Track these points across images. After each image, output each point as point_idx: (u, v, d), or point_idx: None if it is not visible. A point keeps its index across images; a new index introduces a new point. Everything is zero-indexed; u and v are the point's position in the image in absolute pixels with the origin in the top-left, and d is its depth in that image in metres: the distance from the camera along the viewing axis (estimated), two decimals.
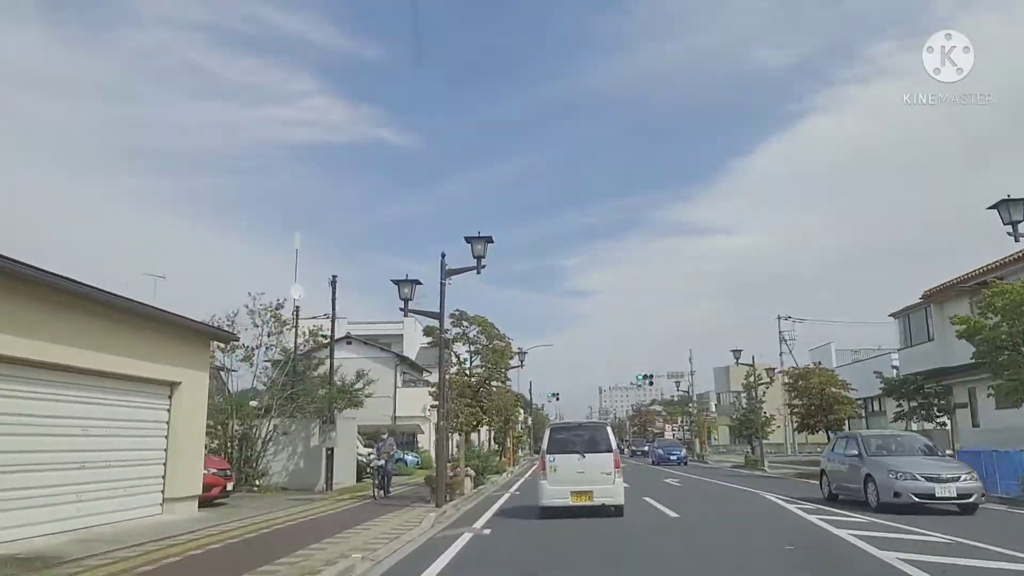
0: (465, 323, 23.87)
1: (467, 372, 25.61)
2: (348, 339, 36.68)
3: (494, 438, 41.92)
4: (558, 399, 72.84)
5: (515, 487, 23.90)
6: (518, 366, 37.19)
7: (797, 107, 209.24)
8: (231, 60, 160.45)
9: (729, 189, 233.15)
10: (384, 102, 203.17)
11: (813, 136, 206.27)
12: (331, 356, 23.53)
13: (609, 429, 14.98)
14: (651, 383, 49.98)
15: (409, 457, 35.20)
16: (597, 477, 13.54)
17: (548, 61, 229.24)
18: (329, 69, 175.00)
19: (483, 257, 16.19)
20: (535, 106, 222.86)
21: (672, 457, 43.36)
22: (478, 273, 16.42)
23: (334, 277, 23.08)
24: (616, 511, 13.53)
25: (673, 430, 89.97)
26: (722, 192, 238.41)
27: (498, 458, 34.06)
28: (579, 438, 14.30)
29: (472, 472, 21.28)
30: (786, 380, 35.10)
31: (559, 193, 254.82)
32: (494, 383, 26.35)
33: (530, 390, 74.62)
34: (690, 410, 53.67)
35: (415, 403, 38.03)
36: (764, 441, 38.51)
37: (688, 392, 52.47)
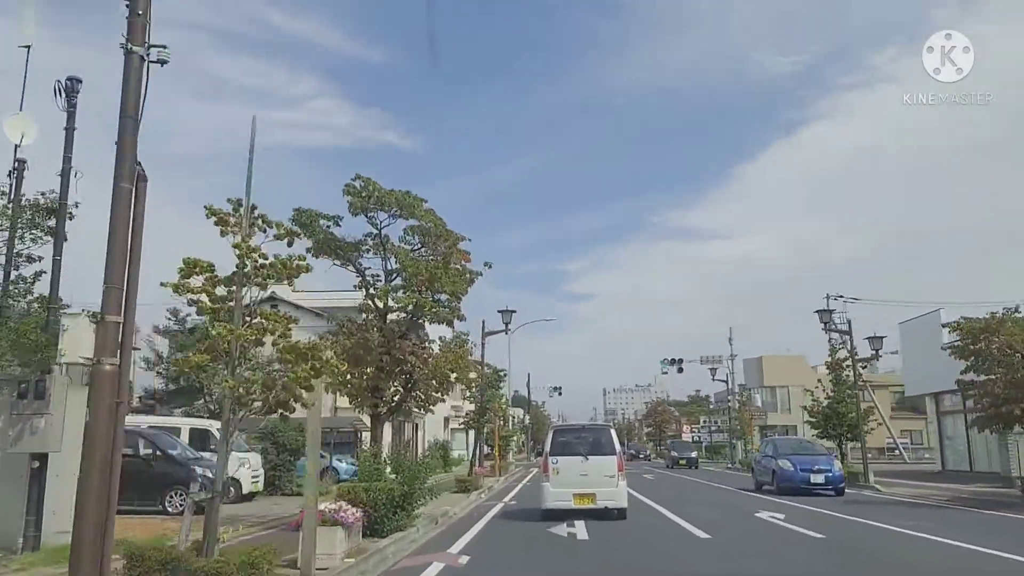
0: (367, 197, 12.82)
1: (376, 303, 14.58)
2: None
3: (486, 440, 30.78)
4: (560, 394, 62.68)
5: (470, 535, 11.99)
6: (502, 331, 25.90)
7: (799, 114, 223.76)
8: (235, 62, 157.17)
9: (731, 195, 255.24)
10: (390, 105, 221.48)
11: (815, 142, 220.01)
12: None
13: (613, 431, 15.00)
14: (680, 369, 39.08)
15: (343, 464, 24.09)
16: (600, 480, 13.56)
17: (552, 65, 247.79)
18: (334, 72, 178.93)
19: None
20: (537, 111, 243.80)
21: (683, 460, 41.27)
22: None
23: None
24: (619, 514, 13.64)
25: (692, 431, 79.00)
26: (724, 198, 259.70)
27: (469, 470, 23.02)
28: (582, 440, 14.31)
29: (354, 516, 9.38)
30: (956, 341, 19.74)
31: (561, 197, 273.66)
32: (428, 324, 15.51)
33: (528, 384, 63.67)
34: (730, 403, 42.06)
35: None
36: (852, 444, 27.02)
37: (726, 382, 41.04)
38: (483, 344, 24.40)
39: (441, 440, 41.24)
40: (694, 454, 45.23)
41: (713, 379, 44.67)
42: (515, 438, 35.10)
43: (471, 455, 31.22)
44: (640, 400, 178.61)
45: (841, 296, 53.27)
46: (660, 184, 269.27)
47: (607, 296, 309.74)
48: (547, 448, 14.28)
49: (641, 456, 73.95)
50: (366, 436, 28.17)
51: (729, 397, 43.57)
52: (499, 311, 24.79)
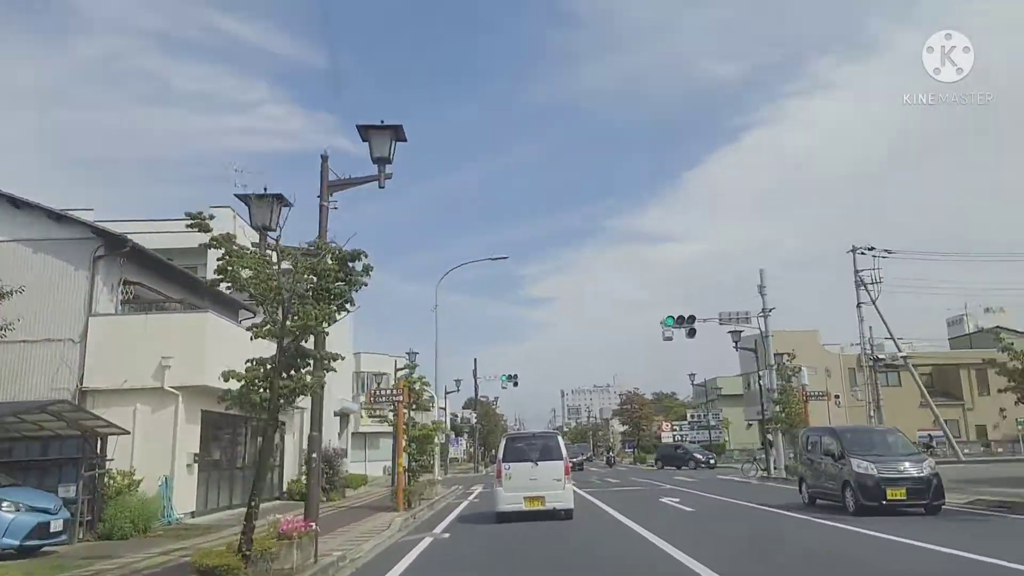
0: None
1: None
2: None
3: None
4: (516, 384, 48.31)
5: None
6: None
7: (742, 120, 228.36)
8: (184, 68, 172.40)
9: (681, 199, 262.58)
10: (339, 110, 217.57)
11: (758, 147, 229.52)
12: None
13: (560, 439, 16.45)
14: (692, 331, 25.93)
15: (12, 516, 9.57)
16: (549, 483, 14.69)
17: (500, 74, 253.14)
18: (283, 77, 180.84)
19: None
20: (487, 119, 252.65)
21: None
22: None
23: None
24: (566, 515, 14.74)
25: (674, 429, 66.05)
26: (674, 202, 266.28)
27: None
28: (532, 447, 15.48)
29: None
30: None
31: (514, 204, 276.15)
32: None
33: (475, 371, 49.44)
34: (762, 381, 28.51)
35: (142, 354, 16.51)
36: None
37: (762, 334, 27.40)
38: None
39: (335, 448, 26.98)
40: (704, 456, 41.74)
41: (736, 347, 31.17)
42: (436, 440, 20.50)
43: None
44: (598, 401, 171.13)
45: (871, 248, 40.81)
46: (613, 190, 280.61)
47: (565, 300, 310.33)
48: (500, 455, 15.51)
49: (586, 457, 60.45)
50: (115, 443, 14.03)
51: (761, 373, 29.89)
52: None
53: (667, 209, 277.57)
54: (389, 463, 50.29)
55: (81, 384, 15.76)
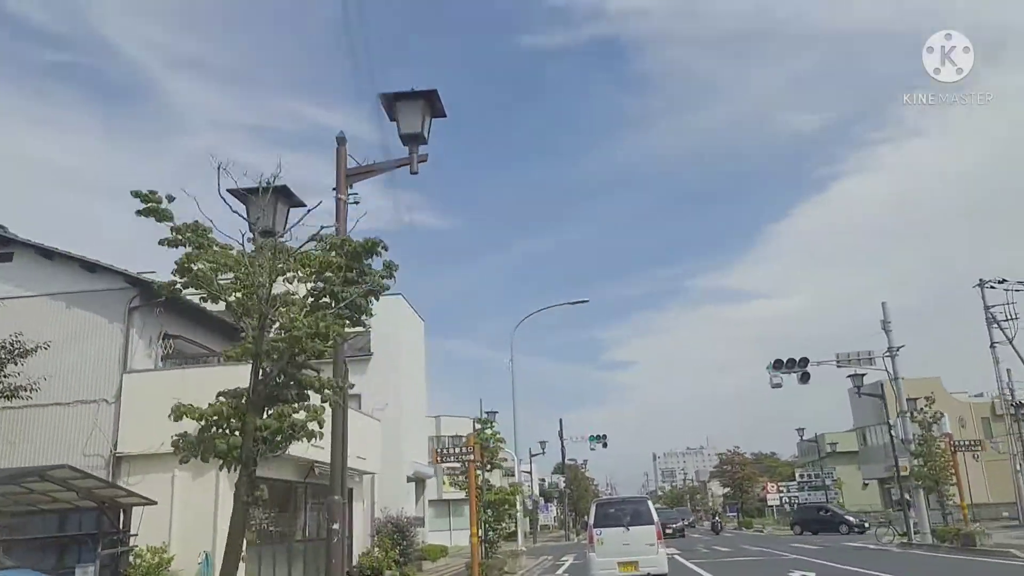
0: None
1: None
2: None
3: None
4: (605, 445, 45.15)
5: None
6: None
7: (828, 170, 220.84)
8: (273, 157, 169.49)
9: (765, 255, 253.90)
10: (421, 187, 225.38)
11: (847, 197, 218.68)
12: None
13: (650, 503, 16.46)
14: (805, 375, 21.97)
15: None
16: (642, 548, 14.58)
17: (580, 141, 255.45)
18: (366, 160, 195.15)
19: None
20: (568, 185, 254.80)
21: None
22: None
23: None
24: None
25: (780, 491, 60.73)
26: (758, 258, 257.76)
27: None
28: (623, 512, 15.44)
29: None
30: None
31: (593, 269, 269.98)
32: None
33: (560, 432, 46.57)
34: (895, 430, 24.69)
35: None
36: None
37: (892, 377, 23.61)
38: None
39: (408, 516, 24.49)
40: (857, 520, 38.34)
41: (859, 392, 27.29)
42: (519, 506, 17.64)
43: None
44: (692, 463, 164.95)
45: (1003, 281, 36.04)
46: (693, 249, 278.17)
47: (649, 363, 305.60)
48: (591, 520, 15.57)
49: (687, 523, 54.77)
50: (141, 514, 12.19)
51: (893, 421, 25.78)
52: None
53: (753, 265, 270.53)
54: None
55: (115, 449, 14.11)
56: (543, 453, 45.52)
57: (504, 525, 16.95)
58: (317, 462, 17.24)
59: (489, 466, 17.20)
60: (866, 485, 65.68)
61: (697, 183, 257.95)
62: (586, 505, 61.06)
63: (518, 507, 30.75)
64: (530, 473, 47.00)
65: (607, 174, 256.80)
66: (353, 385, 8.48)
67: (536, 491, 73.14)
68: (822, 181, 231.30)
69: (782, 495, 61.45)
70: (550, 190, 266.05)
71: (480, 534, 16.06)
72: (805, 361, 24.76)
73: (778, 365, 24.83)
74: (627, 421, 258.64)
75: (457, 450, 15.84)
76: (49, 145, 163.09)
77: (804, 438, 58.65)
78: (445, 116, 7.70)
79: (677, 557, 22.40)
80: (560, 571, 20.69)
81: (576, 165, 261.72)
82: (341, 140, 7.65)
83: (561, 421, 49.24)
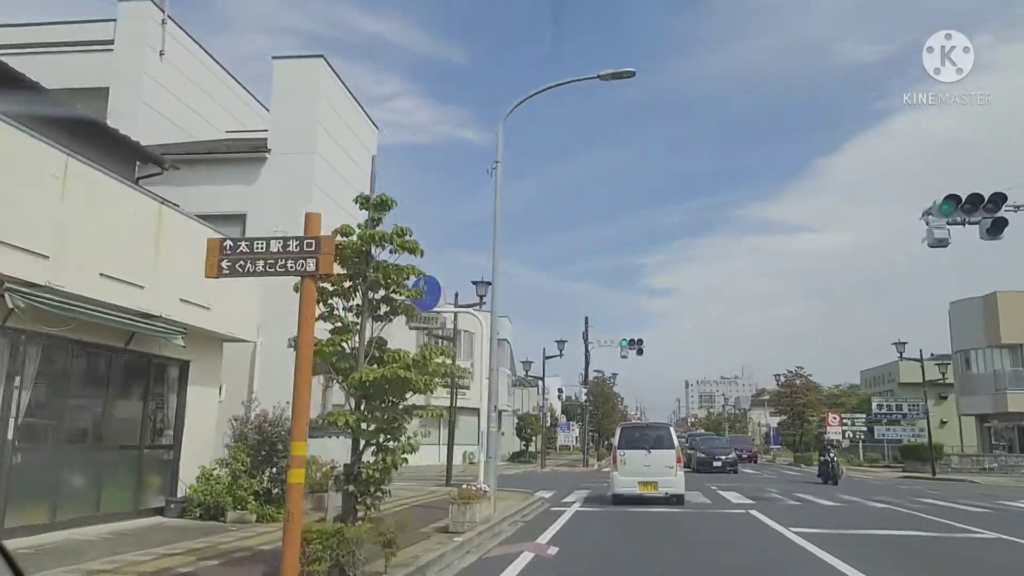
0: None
1: None
2: None
3: None
4: (640, 352, 36.96)
5: None
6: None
7: (886, 104, 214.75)
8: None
9: (816, 188, 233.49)
10: (468, 103, 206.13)
11: (905, 132, 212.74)
12: None
13: (672, 429, 17.96)
14: (996, 227, 10.34)
15: None
16: (662, 470, 16.01)
17: (627, 62, 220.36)
18: (415, 72, 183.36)
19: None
20: (614, 107, 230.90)
21: None
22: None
23: None
24: (677, 500, 15.99)
25: (844, 424, 51.21)
26: (808, 190, 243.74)
27: None
28: (646, 436, 16.99)
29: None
30: None
31: (637, 192, 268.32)
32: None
33: (585, 333, 37.19)
34: None
35: None
36: None
37: None
38: None
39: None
40: None
41: None
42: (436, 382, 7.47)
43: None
44: (725, 392, 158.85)
45: None
46: (741, 179, 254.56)
47: (687, 291, 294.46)
48: (616, 442, 17.00)
49: (749, 453, 44.81)
50: None
51: None
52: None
53: (801, 198, 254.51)
54: (469, 448, 38.56)
55: None
56: (560, 355, 35.95)
57: (402, 442, 7.15)
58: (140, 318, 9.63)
59: (382, 305, 7.42)
60: (944, 423, 55.85)
61: (746, 111, 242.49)
62: (610, 426, 52.25)
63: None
64: (542, 380, 37.67)
65: (651, 98, 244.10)
66: None
67: (554, 404, 64.16)
68: (878, 115, 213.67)
69: (845, 428, 51.73)
70: (591, 113, 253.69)
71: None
72: (1000, 199, 14.38)
73: (951, 206, 14.44)
74: (662, 347, 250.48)
75: (267, 248, 6.18)
76: None
77: (880, 362, 48.18)
78: None
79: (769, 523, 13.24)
80: (552, 529, 11.44)
81: (619, 87, 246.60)
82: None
83: (587, 320, 39.47)
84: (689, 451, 35.89)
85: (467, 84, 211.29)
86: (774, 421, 76.14)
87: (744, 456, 43.97)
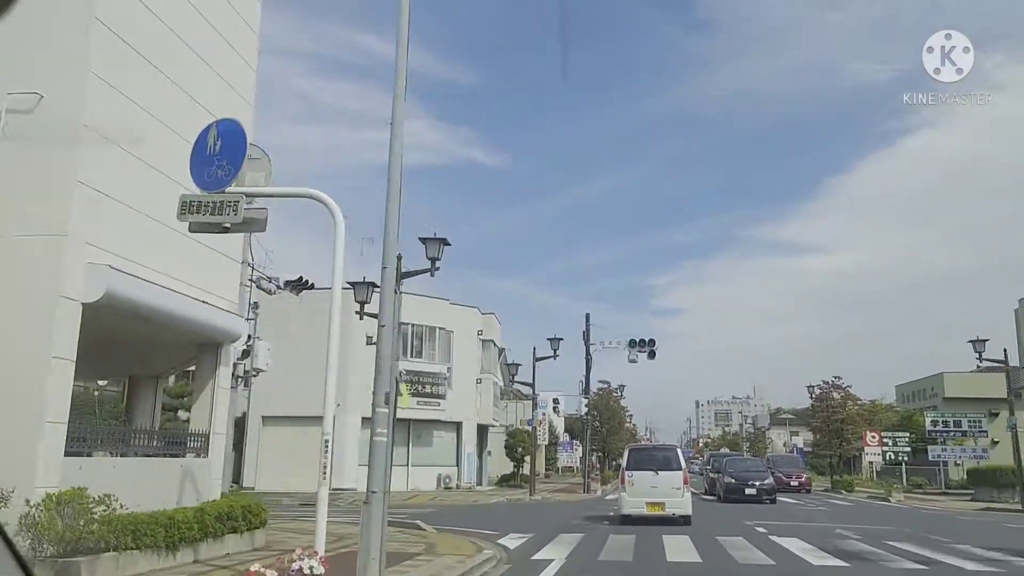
0: None
1: None
2: None
3: None
4: (652, 355, 30.49)
5: None
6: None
7: (898, 123, 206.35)
8: (331, 86, 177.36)
9: (826, 207, 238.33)
10: (477, 124, 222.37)
11: (916, 152, 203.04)
12: None
13: (679, 451, 18.41)
14: None
15: None
16: (669, 491, 16.23)
17: (636, 82, 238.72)
18: (424, 94, 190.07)
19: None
20: (622, 127, 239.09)
21: None
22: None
23: None
24: (684, 521, 16.05)
25: (883, 444, 44.99)
26: (819, 210, 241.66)
27: None
28: (654, 458, 17.25)
29: None
30: None
31: (646, 212, 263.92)
32: None
33: (586, 332, 30.99)
34: None
35: None
36: None
37: None
38: None
39: None
40: None
41: None
42: None
43: None
44: (737, 413, 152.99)
45: None
46: (751, 198, 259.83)
47: (697, 311, 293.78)
48: (624, 464, 17.28)
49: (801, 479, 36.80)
50: None
51: None
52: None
53: (811, 218, 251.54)
54: (445, 471, 32.25)
55: None
56: (555, 356, 29.08)
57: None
58: None
59: None
60: (996, 443, 49.05)
61: (756, 130, 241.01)
62: (617, 444, 45.58)
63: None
64: (532, 385, 31.17)
65: (660, 118, 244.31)
66: None
67: (555, 421, 57.32)
68: (887, 135, 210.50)
69: (886, 450, 44.86)
70: (600, 133, 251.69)
71: None
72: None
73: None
74: (672, 368, 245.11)
75: None
76: None
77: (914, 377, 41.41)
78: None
79: None
80: None
81: (628, 107, 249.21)
82: None
83: (588, 317, 32.85)
84: (713, 475, 29.29)
85: (480, 106, 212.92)
86: (799, 440, 69.26)
87: (794, 484, 35.44)
